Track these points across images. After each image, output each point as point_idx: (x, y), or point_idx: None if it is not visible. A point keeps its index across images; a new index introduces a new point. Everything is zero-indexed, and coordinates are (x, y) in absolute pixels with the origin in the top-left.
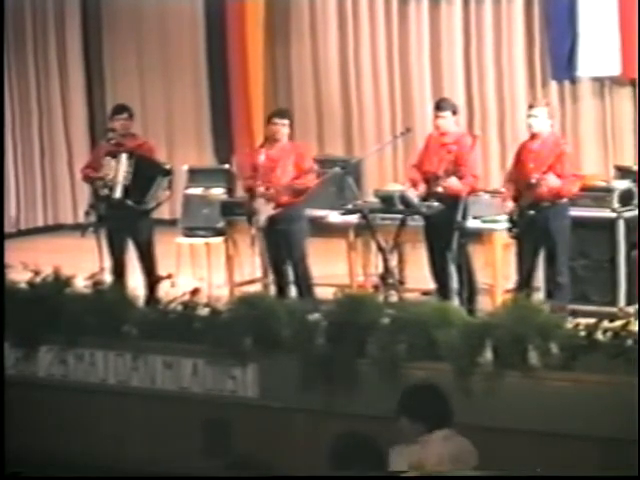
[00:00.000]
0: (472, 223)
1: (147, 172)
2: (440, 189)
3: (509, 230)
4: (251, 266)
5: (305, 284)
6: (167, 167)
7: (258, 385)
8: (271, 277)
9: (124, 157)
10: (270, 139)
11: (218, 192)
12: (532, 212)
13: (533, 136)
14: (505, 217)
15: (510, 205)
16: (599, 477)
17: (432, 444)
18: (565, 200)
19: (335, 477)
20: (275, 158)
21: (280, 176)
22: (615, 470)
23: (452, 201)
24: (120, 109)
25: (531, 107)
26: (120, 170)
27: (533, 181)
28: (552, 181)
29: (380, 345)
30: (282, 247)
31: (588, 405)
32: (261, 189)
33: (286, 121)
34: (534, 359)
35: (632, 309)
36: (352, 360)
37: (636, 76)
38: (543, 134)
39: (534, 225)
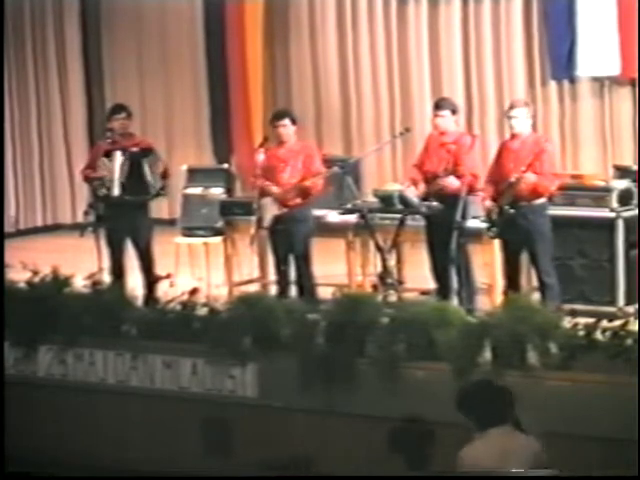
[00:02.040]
0: (471, 223)
1: (134, 163)
2: (440, 188)
3: (488, 230)
4: (250, 266)
5: (307, 285)
6: (145, 148)
7: (257, 385)
8: (273, 277)
9: (118, 154)
10: (278, 140)
11: (217, 192)
12: (512, 210)
13: (513, 136)
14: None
15: (488, 204)
16: (599, 477)
17: (489, 441)
18: (544, 199)
19: (336, 477)
20: (284, 158)
21: (288, 177)
22: (615, 470)
23: (452, 200)
24: (118, 109)
25: (511, 108)
26: (115, 168)
27: (513, 179)
28: (531, 179)
29: (379, 345)
30: (286, 247)
31: (587, 405)
32: (274, 188)
33: (285, 121)
34: (533, 359)
35: (631, 309)
36: (351, 360)
37: (635, 76)
38: (523, 134)
39: (514, 224)
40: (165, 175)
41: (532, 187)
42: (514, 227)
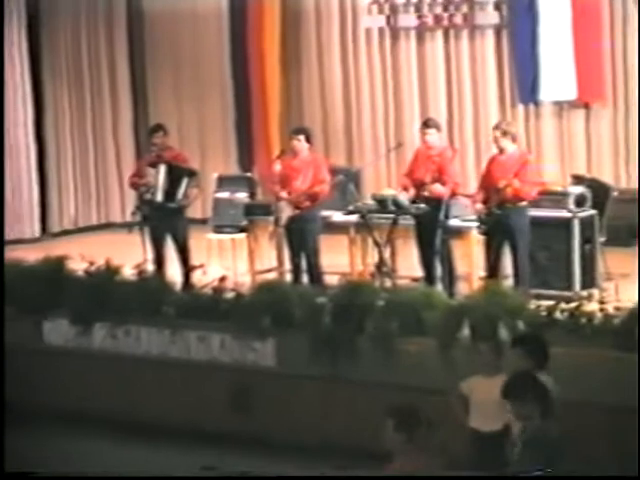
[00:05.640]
0: (453, 222)
1: (176, 175)
2: (426, 193)
3: (478, 227)
4: (269, 258)
5: (316, 273)
6: (192, 169)
7: (275, 356)
8: (289, 266)
9: (163, 168)
10: (292, 152)
11: (242, 196)
12: (499, 211)
13: (501, 151)
14: (475, 217)
15: (479, 207)
16: (599, 477)
17: None
18: (525, 203)
19: (336, 477)
20: (297, 168)
21: (300, 184)
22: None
23: (436, 203)
24: (156, 128)
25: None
26: (160, 178)
27: (501, 185)
28: (516, 185)
29: (376, 323)
30: (299, 242)
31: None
32: (284, 194)
33: (301, 137)
34: (504, 334)
35: (585, 292)
36: (352, 336)
37: (589, 100)
38: (509, 150)
39: (499, 223)
40: (191, 200)
41: (516, 192)
42: (500, 225)
